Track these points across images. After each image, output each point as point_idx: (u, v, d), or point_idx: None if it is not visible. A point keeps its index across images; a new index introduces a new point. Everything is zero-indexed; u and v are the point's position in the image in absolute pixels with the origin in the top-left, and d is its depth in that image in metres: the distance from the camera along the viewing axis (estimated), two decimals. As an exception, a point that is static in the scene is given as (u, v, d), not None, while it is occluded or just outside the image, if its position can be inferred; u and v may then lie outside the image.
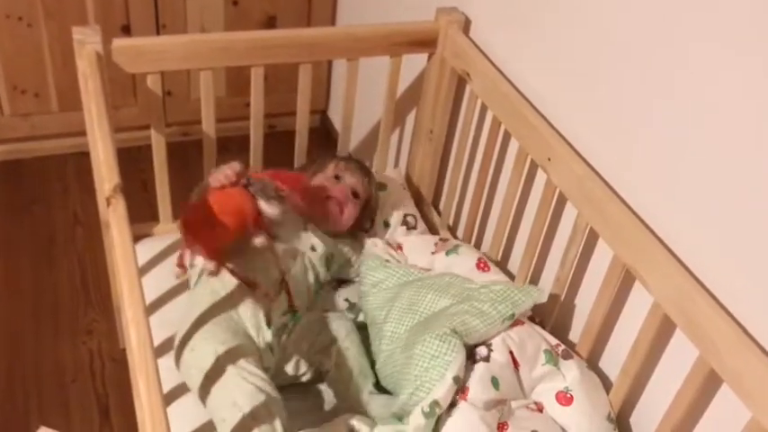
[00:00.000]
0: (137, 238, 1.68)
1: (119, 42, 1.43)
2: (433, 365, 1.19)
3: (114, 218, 1.05)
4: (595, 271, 1.32)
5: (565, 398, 1.25)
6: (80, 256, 2.14)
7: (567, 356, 1.29)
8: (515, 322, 1.29)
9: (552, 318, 1.43)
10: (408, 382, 1.22)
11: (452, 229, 1.81)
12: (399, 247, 1.58)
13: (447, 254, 1.52)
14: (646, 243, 1.15)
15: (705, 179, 1.10)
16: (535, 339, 1.29)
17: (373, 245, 1.56)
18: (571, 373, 1.26)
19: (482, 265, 1.49)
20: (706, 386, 1.08)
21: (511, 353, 1.25)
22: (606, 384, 1.29)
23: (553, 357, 1.28)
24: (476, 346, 1.25)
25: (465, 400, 1.19)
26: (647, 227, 1.19)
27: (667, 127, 1.15)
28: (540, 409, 1.26)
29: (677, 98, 1.13)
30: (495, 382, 1.22)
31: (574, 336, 1.40)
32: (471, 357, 1.23)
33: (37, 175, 2.39)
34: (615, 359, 1.28)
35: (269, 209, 1.30)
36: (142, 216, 2.08)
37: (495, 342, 1.25)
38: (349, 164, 1.60)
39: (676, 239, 1.15)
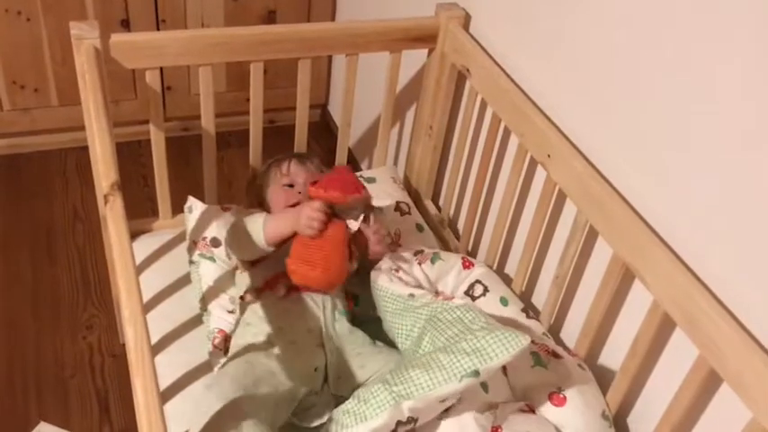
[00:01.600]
0: (136, 233, 1.68)
1: (117, 38, 1.42)
2: (355, 411, 1.13)
3: (111, 216, 1.04)
4: (595, 269, 1.32)
5: (558, 398, 1.24)
6: (80, 251, 2.14)
7: (556, 356, 1.29)
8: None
9: (551, 316, 1.42)
10: (336, 410, 1.18)
11: (451, 225, 1.81)
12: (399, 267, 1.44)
13: (432, 262, 1.46)
14: (646, 241, 1.15)
15: (706, 177, 1.09)
16: None
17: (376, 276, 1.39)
18: (562, 372, 1.25)
19: (467, 264, 1.46)
20: (706, 386, 1.08)
21: None
22: (605, 383, 1.29)
23: (542, 359, 1.27)
24: None
25: (460, 403, 1.17)
26: (647, 224, 1.18)
27: (667, 124, 1.15)
28: (533, 410, 1.25)
29: (678, 95, 1.12)
30: (484, 386, 1.20)
31: (572, 334, 1.39)
32: None
33: (37, 170, 2.39)
34: (614, 358, 1.28)
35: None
36: (142, 211, 2.09)
37: None
38: (287, 163, 1.56)
39: (676, 237, 1.15)
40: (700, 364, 1.07)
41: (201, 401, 1.15)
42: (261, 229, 1.35)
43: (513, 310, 1.40)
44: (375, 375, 1.29)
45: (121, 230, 1.02)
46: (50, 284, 2.03)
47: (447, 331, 1.20)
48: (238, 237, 1.40)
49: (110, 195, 1.06)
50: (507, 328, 1.15)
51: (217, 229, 1.52)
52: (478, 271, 1.46)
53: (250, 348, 1.31)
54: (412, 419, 1.13)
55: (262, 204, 1.57)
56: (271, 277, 1.40)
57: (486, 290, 1.44)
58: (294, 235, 1.31)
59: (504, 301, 1.42)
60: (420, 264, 1.45)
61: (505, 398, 1.24)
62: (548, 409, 1.24)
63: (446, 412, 1.17)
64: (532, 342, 1.28)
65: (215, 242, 1.51)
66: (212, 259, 1.49)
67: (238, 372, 1.21)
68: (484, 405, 1.19)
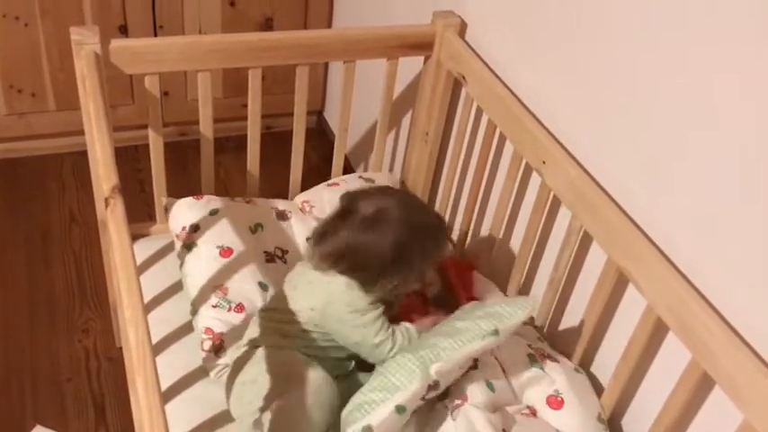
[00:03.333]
0: (133, 237, 1.68)
1: (117, 43, 1.43)
2: (383, 386, 1.14)
3: (112, 219, 1.05)
4: (589, 273, 1.33)
5: (555, 401, 1.25)
6: (76, 255, 2.15)
7: (552, 359, 1.30)
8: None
9: (546, 319, 1.44)
10: (355, 396, 1.17)
11: (447, 231, 1.82)
12: None
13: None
14: (639, 246, 1.16)
15: (698, 183, 1.11)
16: (518, 345, 1.29)
17: None
18: (559, 376, 1.27)
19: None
20: (699, 389, 1.09)
21: (496, 358, 1.26)
22: (598, 386, 1.31)
23: (538, 361, 1.29)
24: None
25: (467, 401, 1.19)
26: (641, 230, 1.20)
27: (662, 131, 1.17)
28: (534, 413, 1.27)
29: (673, 103, 1.14)
30: (490, 386, 1.22)
31: (567, 338, 1.41)
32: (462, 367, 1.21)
33: (33, 174, 2.39)
34: (608, 361, 1.30)
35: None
36: (139, 215, 2.10)
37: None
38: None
39: (670, 243, 1.17)
40: (692, 367, 1.09)
41: None
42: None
43: None
44: None
45: (123, 233, 1.03)
46: (46, 288, 2.04)
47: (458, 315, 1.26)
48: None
49: (110, 198, 1.07)
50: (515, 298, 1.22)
51: (193, 217, 1.55)
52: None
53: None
54: (437, 384, 1.15)
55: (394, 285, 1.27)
56: None
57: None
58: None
59: None
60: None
61: (508, 399, 1.25)
62: (545, 412, 1.25)
63: (457, 411, 1.18)
64: (528, 345, 1.30)
65: (194, 228, 1.53)
66: (194, 246, 1.50)
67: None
68: (492, 404, 1.21)
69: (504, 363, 1.26)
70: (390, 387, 1.14)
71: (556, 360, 1.30)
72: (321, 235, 1.28)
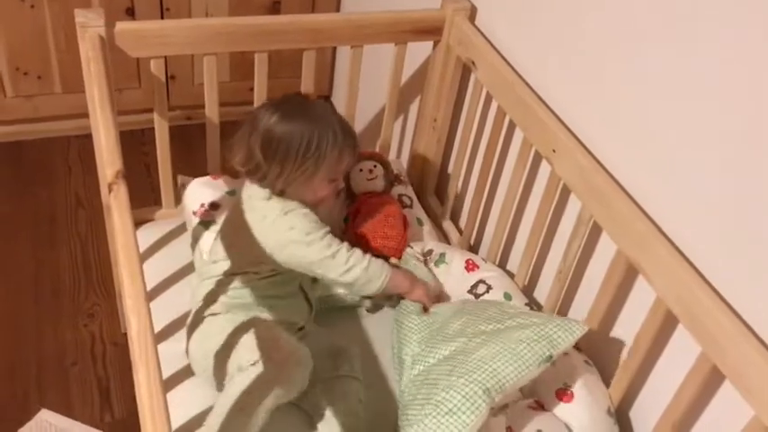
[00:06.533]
0: (138, 222, 1.68)
1: (122, 26, 1.41)
2: (448, 422, 1.13)
3: (116, 204, 1.04)
4: (598, 264, 1.32)
5: (565, 395, 1.24)
6: (82, 239, 2.14)
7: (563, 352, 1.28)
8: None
9: (554, 311, 1.42)
10: (415, 421, 1.17)
11: (454, 219, 1.80)
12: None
13: (436, 265, 1.51)
14: (650, 238, 1.14)
15: (711, 174, 1.09)
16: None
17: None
18: (569, 368, 1.25)
19: (471, 266, 1.49)
20: (708, 382, 1.08)
21: None
22: (606, 379, 1.29)
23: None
24: None
25: None
26: (652, 221, 1.18)
27: (674, 120, 1.14)
28: (542, 406, 1.25)
29: (685, 92, 1.12)
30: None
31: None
32: None
33: (39, 157, 2.39)
34: (616, 353, 1.28)
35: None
36: (145, 200, 2.08)
37: None
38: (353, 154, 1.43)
39: (681, 235, 1.15)
40: (702, 361, 1.07)
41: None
42: (382, 284, 1.34)
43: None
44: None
45: (126, 219, 1.02)
46: (52, 272, 2.03)
47: (482, 313, 1.28)
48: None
49: (114, 184, 1.06)
50: (558, 317, 1.24)
51: (212, 195, 1.55)
52: (482, 273, 1.47)
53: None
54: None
55: (281, 176, 1.34)
56: None
57: (489, 288, 1.44)
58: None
59: (507, 296, 1.42)
60: (426, 264, 1.47)
61: (515, 397, 1.24)
62: (555, 405, 1.24)
63: None
64: None
65: (213, 206, 1.53)
66: (213, 223, 1.50)
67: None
68: (496, 408, 1.19)
69: None
70: (458, 423, 1.13)
71: (566, 352, 1.28)
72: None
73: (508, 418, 1.20)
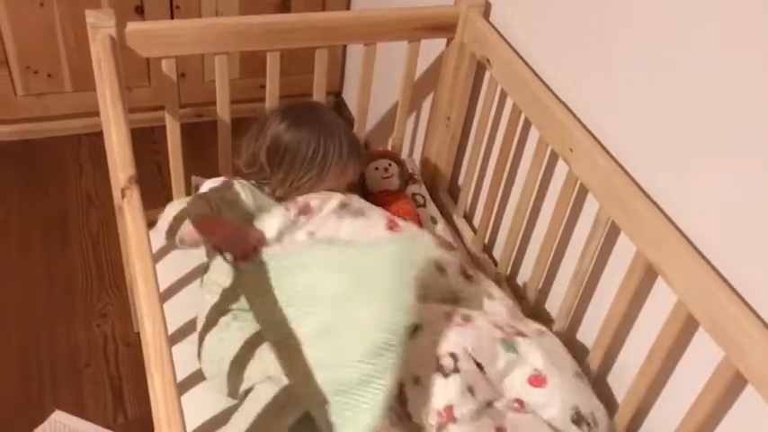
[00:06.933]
0: (150, 223, 1.66)
1: (133, 26, 1.40)
2: (364, 392, 1.11)
3: (129, 210, 1.03)
4: (615, 266, 1.30)
5: (537, 380, 1.22)
6: (94, 238, 2.13)
7: (522, 335, 1.26)
8: (463, 324, 1.25)
9: (570, 312, 1.40)
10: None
11: (468, 218, 1.79)
12: (308, 208, 1.39)
13: (354, 216, 1.40)
14: (670, 239, 1.12)
15: (733, 175, 1.07)
16: (488, 334, 1.24)
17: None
18: (533, 353, 1.23)
19: (392, 225, 1.41)
20: (730, 389, 1.06)
21: (473, 359, 1.22)
22: (624, 383, 1.27)
23: (511, 345, 1.24)
24: (439, 359, 1.20)
25: (454, 422, 1.14)
26: (672, 222, 1.16)
27: (696, 120, 1.12)
28: (522, 405, 1.22)
29: (707, 92, 1.10)
30: (471, 391, 1.18)
31: (590, 332, 1.37)
32: (440, 371, 1.18)
33: (50, 156, 2.38)
34: (634, 357, 1.26)
35: None
36: (155, 198, 2.07)
37: (458, 352, 1.20)
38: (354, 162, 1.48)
39: (702, 236, 1.13)
40: (724, 366, 1.05)
41: None
42: (187, 221, 1.28)
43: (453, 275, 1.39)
44: None
45: (139, 224, 1.01)
46: (64, 272, 2.03)
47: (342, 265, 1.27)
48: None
49: (127, 189, 1.05)
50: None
51: None
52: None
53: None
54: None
55: (284, 182, 1.40)
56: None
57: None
58: None
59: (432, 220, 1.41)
60: (341, 218, 1.39)
61: (491, 396, 1.20)
62: (532, 393, 1.21)
63: (455, 424, 1.15)
64: (499, 328, 1.26)
65: None
66: None
67: None
68: (475, 411, 1.16)
69: (479, 359, 1.22)
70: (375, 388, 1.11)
71: (525, 335, 1.26)
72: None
73: (494, 419, 1.17)
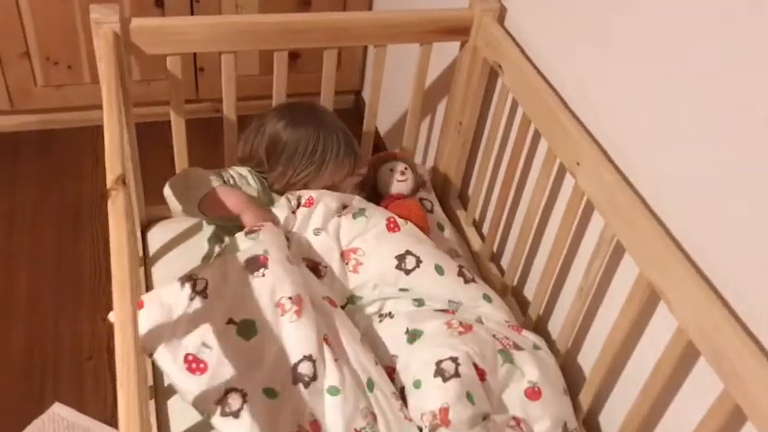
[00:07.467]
0: (156, 220, 1.66)
1: (137, 22, 1.39)
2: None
3: (113, 213, 1.01)
4: (619, 287, 1.25)
5: (533, 392, 1.23)
6: (105, 231, 2.13)
7: (517, 348, 1.27)
8: (464, 332, 1.25)
9: (573, 331, 1.36)
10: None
11: (477, 226, 1.74)
12: (310, 201, 1.40)
13: (354, 217, 1.39)
14: (674, 262, 1.07)
15: (745, 199, 1.01)
16: (489, 343, 1.25)
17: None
18: (529, 366, 1.24)
19: (392, 226, 1.39)
20: (730, 422, 1.01)
21: (474, 364, 1.20)
22: (623, 407, 1.22)
23: (509, 356, 1.24)
24: (440, 361, 1.18)
25: (447, 425, 1.12)
26: (678, 244, 1.11)
27: (709, 138, 1.07)
28: (519, 423, 1.20)
29: (725, 105, 1.04)
30: (470, 397, 1.16)
31: (592, 351, 1.32)
32: (441, 374, 1.17)
33: (68, 147, 2.39)
34: (634, 381, 1.21)
35: None
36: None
37: (461, 356, 1.19)
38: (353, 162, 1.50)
39: (708, 261, 1.07)
40: (724, 398, 1.00)
41: None
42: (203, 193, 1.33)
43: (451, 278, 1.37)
44: None
45: (122, 229, 0.98)
46: (73, 265, 2.03)
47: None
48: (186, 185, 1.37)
49: (113, 190, 1.02)
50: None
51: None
52: (404, 237, 1.39)
53: None
54: None
55: (282, 177, 1.45)
56: None
57: (418, 261, 1.36)
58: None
59: (439, 270, 1.37)
60: (340, 216, 1.38)
61: (486, 408, 1.18)
62: (527, 406, 1.22)
63: (448, 428, 1.13)
64: (494, 337, 1.27)
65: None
66: None
67: None
68: (472, 419, 1.14)
69: (482, 365, 1.21)
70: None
71: (520, 348, 1.27)
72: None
73: None
